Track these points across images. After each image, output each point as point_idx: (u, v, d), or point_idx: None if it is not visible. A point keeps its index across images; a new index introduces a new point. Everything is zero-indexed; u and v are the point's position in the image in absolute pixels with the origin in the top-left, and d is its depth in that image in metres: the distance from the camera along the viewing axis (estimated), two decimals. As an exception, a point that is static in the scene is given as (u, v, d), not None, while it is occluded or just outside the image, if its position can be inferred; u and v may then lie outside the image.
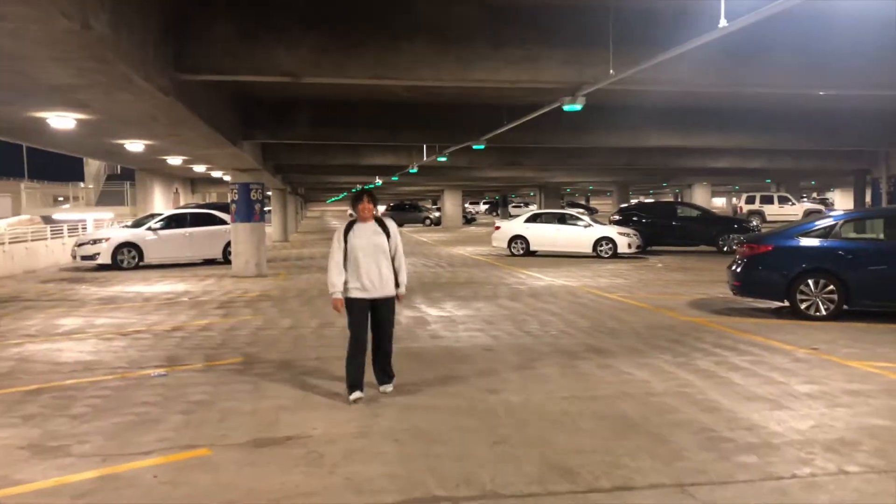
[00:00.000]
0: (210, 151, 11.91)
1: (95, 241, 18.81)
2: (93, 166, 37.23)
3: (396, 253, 5.90)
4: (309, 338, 8.90)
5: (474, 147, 11.69)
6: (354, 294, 5.77)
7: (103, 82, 5.82)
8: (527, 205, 77.44)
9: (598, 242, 21.17)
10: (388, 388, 6.16)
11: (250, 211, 16.62)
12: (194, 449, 4.85)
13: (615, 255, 20.93)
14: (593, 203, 69.33)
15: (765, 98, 12.23)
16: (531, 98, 10.87)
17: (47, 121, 12.43)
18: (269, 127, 12.14)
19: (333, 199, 77.59)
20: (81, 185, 38.19)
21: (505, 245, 22.31)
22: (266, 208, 43.27)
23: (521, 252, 21.94)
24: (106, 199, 36.36)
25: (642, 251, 21.54)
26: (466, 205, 56.69)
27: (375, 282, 5.75)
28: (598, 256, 21.06)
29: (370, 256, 5.72)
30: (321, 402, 5.99)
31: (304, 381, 6.67)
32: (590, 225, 21.63)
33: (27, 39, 4.41)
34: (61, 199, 41.55)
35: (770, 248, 10.41)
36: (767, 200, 39.00)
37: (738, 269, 10.52)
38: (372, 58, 6.77)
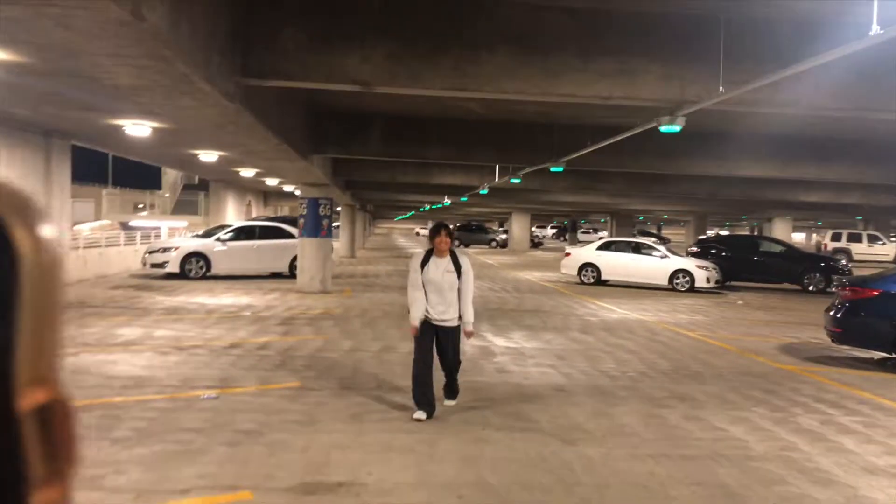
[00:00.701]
0: (280, 164, 11.68)
1: (165, 250, 18.96)
2: (170, 175, 38.21)
3: (464, 287, 6.07)
4: (369, 363, 8.42)
5: (552, 170, 11.06)
6: (422, 315, 6.03)
7: (165, 85, 5.52)
8: (595, 231, 75.92)
9: (674, 275, 20.17)
10: (452, 402, 6.44)
11: (318, 226, 16.40)
12: (236, 491, 4.38)
13: (692, 289, 19.88)
14: (665, 233, 67.33)
15: (872, 128, 11.22)
16: (616, 118, 10.23)
17: (124, 129, 12.50)
18: (339, 141, 11.84)
19: (401, 216, 77.88)
20: (158, 193, 39.21)
21: (575, 272, 21.52)
22: (335, 224, 43.60)
23: (592, 280, 21.10)
24: (181, 208, 37.22)
25: (721, 286, 20.40)
26: (533, 228, 55.91)
27: (441, 314, 6.02)
28: (674, 289, 20.04)
29: (438, 293, 5.98)
30: (378, 439, 5.46)
31: (360, 413, 6.16)
32: (666, 256, 20.63)
33: (77, 30, 4.10)
34: (140, 206, 42.80)
35: (877, 293, 9.40)
36: (855, 238, 36.80)
37: (839, 315, 9.54)
38: (450, 67, 6.27)
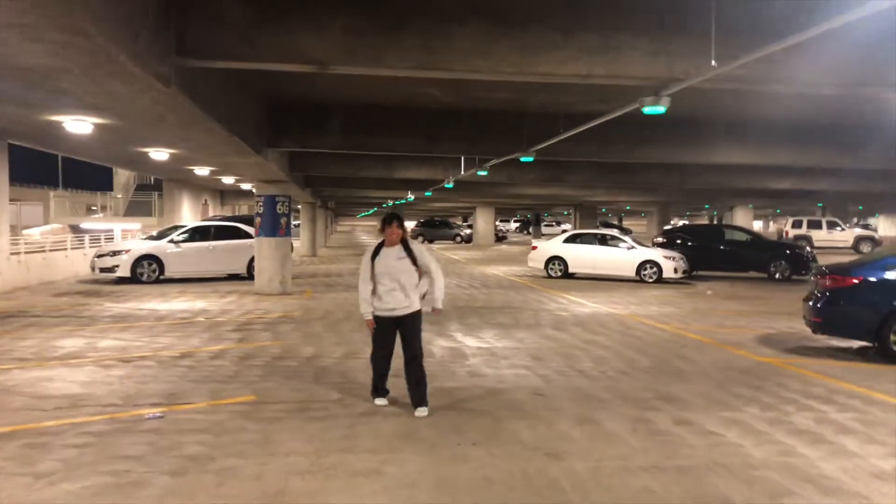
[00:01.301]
0: (232, 160, 10.94)
1: (115, 253, 18.02)
2: (122, 176, 36.86)
3: (429, 267, 6.08)
4: (332, 371, 7.82)
5: (522, 160, 10.54)
6: (379, 313, 6.05)
7: (85, 65, 4.83)
8: (558, 223, 75.93)
9: (641, 266, 19.94)
10: (424, 411, 6.06)
11: (276, 225, 15.69)
12: (176, 534, 3.77)
13: (660, 280, 19.67)
14: (626, 224, 67.59)
15: (859, 112, 10.88)
16: (588, 105, 9.80)
17: (64, 125, 11.66)
18: (296, 134, 11.13)
19: (364, 213, 77.00)
20: (111, 194, 37.82)
21: (542, 266, 21.16)
22: (295, 222, 42.63)
23: (559, 274, 20.77)
24: (134, 209, 35.92)
25: (688, 276, 20.22)
26: (497, 222, 55.59)
27: (398, 303, 5.99)
28: (642, 281, 19.82)
29: (394, 280, 5.95)
30: (342, 462, 4.89)
31: (322, 431, 5.58)
32: (633, 247, 20.38)
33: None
34: (94, 208, 41.30)
35: (858, 281, 9.11)
36: (815, 225, 37.20)
37: (819, 304, 9.23)
38: (416, 44, 5.68)
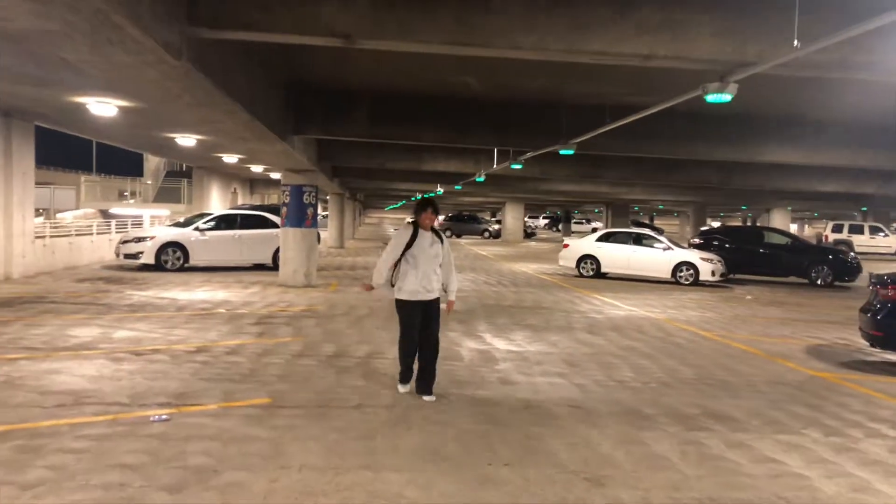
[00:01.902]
0: (257, 147, 10.51)
1: (139, 240, 17.76)
2: (152, 162, 36.91)
3: (447, 261, 6.29)
4: (353, 372, 7.34)
5: (561, 153, 9.94)
6: (412, 297, 6.13)
7: (83, 30, 4.39)
8: (588, 221, 74.87)
9: (677, 267, 19.26)
10: (432, 398, 6.25)
11: (302, 215, 15.27)
12: (166, 567, 3.30)
13: (696, 283, 18.96)
14: (658, 223, 66.36)
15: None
16: (632, 97, 9.19)
17: (88, 107, 11.36)
18: (322, 122, 10.65)
19: (392, 206, 76.71)
20: (140, 180, 37.88)
21: (573, 265, 20.55)
22: (324, 213, 42.29)
23: (591, 273, 20.15)
24: (163, 195, 35.93)
25: (725, 280, 19.47)
26: (525, 218, 54.86)
27: (429, 286, 6.15)
28: (677, 283, 19.13)
29: (428, 263, 6.13)
30: (360, 480, 4.39)
31: (339, 443, 5.09)
32: (669, 248, 19.66)
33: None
34: (126, 193, 41.44)
35: (925, 292, 8.39)
36: (857, 230, 35.93)
37: (881, 317, 8.53)
38: (451, 17, 5.14)
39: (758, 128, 10.98)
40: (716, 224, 54.59)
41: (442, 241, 6.25)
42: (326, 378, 7.02)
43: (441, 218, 58.18)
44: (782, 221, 39.55)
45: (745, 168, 17.32)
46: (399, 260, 6.17)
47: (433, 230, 6.23)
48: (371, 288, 6.39)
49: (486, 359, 8.28)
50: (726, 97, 6.10)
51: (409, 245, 6.11)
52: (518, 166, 13.49)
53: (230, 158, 23.56)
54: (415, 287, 6.09)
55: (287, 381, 6.84)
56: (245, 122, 7.18)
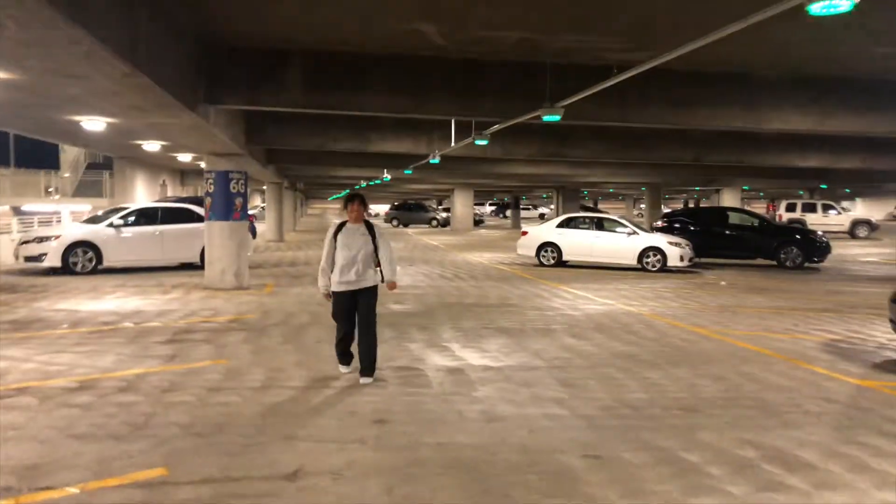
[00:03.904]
0: (158, 120, 8.45)
1: (42, 240, 15.38)
2: (70, 153, 33.87)
3: (384, 248, 6.44)
4: (285, 413, 5.52)
5: (545, 119, 8.15)
6: (340, 288, 6.33)
7: None
8: (535, 207, 73.81)
9: (643, 253, 17.99)
10: (368, 380, 6.37)
11: (229, 206, 13.23)
12: None
13: (664, 269, 17.68)
14: (603, 208, 65.57)
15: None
16: (629, 53, 7.56)
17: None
18: (244, 89, 8.55)
19: (336, 195, 74.24)
20: (57, 173, 34.78)
21: (533, 253, 19.07)
22: (260, 205, 39.63)
23: (552, 262, 18.70)
24: (84, 189, 33.04)
25: (692, 264, 18.28)
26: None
27: (358, 277, 6.31)
28: (644, 269, 17.83)
29: (354, 254, 6.27)
30: None
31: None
32: (634, 232, 18.33)
33: None
34: (52, 189, 38.13)
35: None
36: (810, 208, 35.50)
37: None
38: None
39: (765, 91, 9.47)
40: (677, 207, 53.98)
41: (373, 233, 6.40)
42: (248, 426, 5.17)
43: (386, 207, 56.15)
44: (733, 202, 38.92)
45: (721, 141, 15.97)
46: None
47: (365, 223, 6.43)
48: (329, 295, 6.44)
49: (459, 381, 6.54)
50: (846, 5, 4.30)
51: (334, 239, 6.33)
52: (484, 142, 11.72)
53: (151, 146, 21.15)
54: (345, 277, 6.27)
55: (194, 433, 4.96)
56: (123, 75, 5.26)
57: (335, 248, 6.31)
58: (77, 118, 15.28)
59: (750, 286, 15.39)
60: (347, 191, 55.09)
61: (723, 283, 15.98)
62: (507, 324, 9.79)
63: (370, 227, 6.42)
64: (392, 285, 6.58)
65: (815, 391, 6.42)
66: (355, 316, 6.39)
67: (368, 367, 6.39)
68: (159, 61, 5.99)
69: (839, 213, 35.68)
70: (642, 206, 78.15)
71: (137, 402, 5.67)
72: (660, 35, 7.28)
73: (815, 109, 9.79)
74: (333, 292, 6.37)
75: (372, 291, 6.44)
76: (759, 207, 57.81)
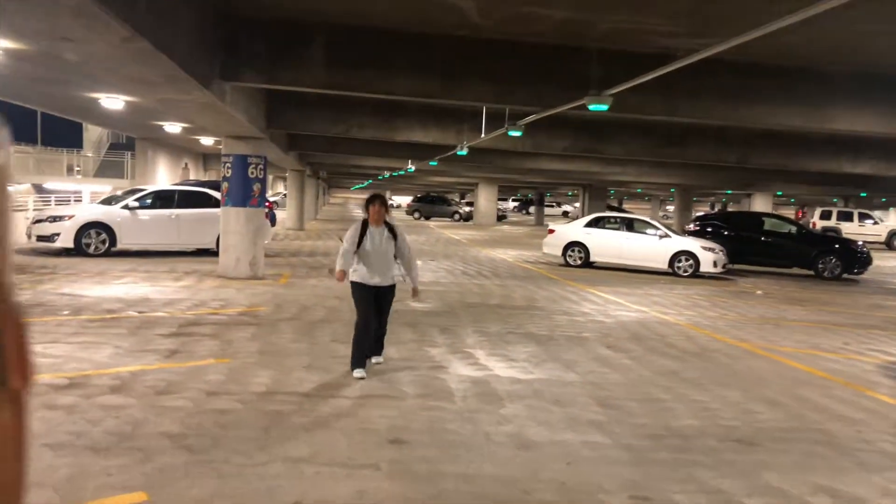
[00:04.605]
0: (170, 95, 7.84)
1: (55, 219, 14.94)
2: (93, 133, 33.70)
3: (405, 254, 6.40)
4: (291, 421, 4.91)
5: (591, 108, 7.41)
6: (363, 280, 6.26)
7: None
8: (559, 205, 72.76)
9: (675, 257, 17.20)
10: (379, 359, 6.62)
11: (247, 192, 12.67)
12: None
13: (695, 274, 16.90)
14: (627, 208, 64.34)
15: None
16: (689, 38, 6.83)
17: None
18: (262, 64, 7.85)
19: (358, 185, 73.83)
20: (80, 152, 34.57)
21: (559, 253, 18.36)
22: (282, 193, 39.24)
23: (579, 262, 17.98)
24: (106, 170, 32.80)
25: (726, 271, 17.49)
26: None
27: (382, 277, 6.30)
28: (675, 274, 17.05)
29: (380, 259, 6.26)
30: None
31: None
32: (666, 235, 17.55)
33: None
34: (78, 168, 37.97)
35: None
36: (846, 217, 34.34)
37: None
38: None
39: (831, 87, 8.63)
40: (711, 211, 52.76)
41: (395, 236, 6.30)
42: (249, 439, 4.56)
43: (409, 199, 55.45)
44: (764, 207, 37.81)
45: (767, 144, 15.08)
46: (356, 252, 6.25)
47: (386, 224, 6.30)
48: (343, 274, 6.24)
49: (484, 396, 5.89)
50: None
51: (359, 243, 6.20)
52: (517, 133, 10.98)
53: (172, 128, 20.81)
54: (369, 278, 6.24)
55: (185, 447, 4.36)
56: (122, 39, 4.68)
57: (359, 248, 6.22)
58: (91, 95, 14.85)
59: (788, 297, 14.60)
60: (370, 181, 54.71)
61: (759, 292, 15.20)
62: (535, 329, 9.12)
63: (393, 232, 6.31)
64: (416, 291, 6.62)
65: (887, 425, 5.70)
66: (373, 306, 6.35)
67: (378, 348, 6.59)
68: (164, 27, 5.39)
69: (876, 223, 34.47)
70: (668, 207, 76.94)
71: (127, 406, 5.09)
72: (721, 20, 6.54)
73: (890, 110, 8.94)
74: (356, 283, 6.27)
75: (392, 290, 6.48)
76: (788, 214, 56.39)
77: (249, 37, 7.91)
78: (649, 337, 9.07)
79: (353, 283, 6.28)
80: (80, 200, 27.05)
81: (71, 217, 14.95)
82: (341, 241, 6.41)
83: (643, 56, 7.42)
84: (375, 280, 6.24)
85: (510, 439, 4.84)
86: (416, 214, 48.94)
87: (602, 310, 11.21)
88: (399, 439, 4.71)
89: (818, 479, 4.43)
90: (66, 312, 8.53)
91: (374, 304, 6.29)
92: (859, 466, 4.70)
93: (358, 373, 6.18)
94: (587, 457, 4.60)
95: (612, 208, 45.64)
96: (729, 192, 38.66)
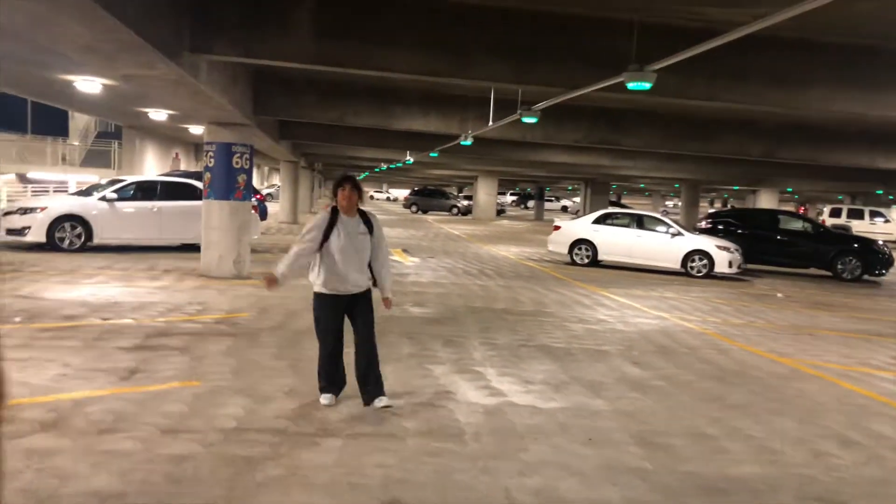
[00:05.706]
0: (132, 71, 6.75)
1: (25, 211, 13.87)
2: (80, 120, 32.57)
3: (380, 253, 5.21)
4: (263, 472, 3.90)
5: (631, 87, 6.29)
6: (328, 290, 5.06)
7: None
8: (558, 199, 71.71)
9: (688, 256, 16.29)
10: (384, 400, 5.13)
11: (230, 184, 11.61)
12: None
13: (708, 275, 15.96)
14: (626, 202, 63.25)
15: None
16: (733, 7, 5.81)
17: None
18: (236, 32, 6.58)
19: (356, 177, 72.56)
20: (65, 141, 33.40)
21: (565, 251, 17.46)
22: (276, 185, 38.19)
23: (586, 261, 17.02)
24: (92, 159, 31.67)
25: (741, 271, 16.54)
26: (495, 195, 51.36)
27: (356, 280, 5.12)
28: (688, 274, 16.10)
29: (351, 256, 5.05)
30: None
31: None
32: (679, 233, 16.59)
33: None
34: (66, 157, 36.82)
35: None
36: (856, 214, 33.38)
37: None
38: None
39: (892, 68, 7.63)
40: (722, 208, 51.82)
41: (371, 229, 5.14)
42: (209, 488, 3.54)
43: (406, 192, 54.34)
44: (770, 203, 36.86)
45: (796, 136, 14.04)
46: (320, 250, 5.01)
47: (360, 213, 5.14)
48: (275, 280, 4.92)
49: (501, 432, 4.87)
50: None
51: (325, 236, 4.98)
52: (532, 119, 9.90)
53: (157, 115, 19.69)
54: (336, 279, 5.04)
55: (119, 516, 3.34)
56: (77, 8, 3.69)
57: (324, 239, 4.97)
58: (65, 77, 13.73)
59: (811, 300, 13.68)
60: (367, 173, 53.61)
61: (779, 294, 14.28)
62: (549, 340, 8.10)
63: (369, 224, 5.14)
64: (388, 302, 5.31)
65: None
66: (343, 326, 5.20)
67: (377, 386, 5.18)
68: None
69: (887, 220, 33.53)
70: (668, 203, 75.83)
71: (57, 452, 4.06)
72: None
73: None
74: (318, 293, 5.10)
75: (367, 299, 5.20)
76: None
77: (222, 3, 6.82)
78: (677, 350, 8.07)
79: (320, 297, 5.08)
80: (66, 191, 26.00)
81: (43, 209, 13.86)
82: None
83: (683, 31, 6.38)
84: (348, 287, 5.05)
85: (537, 499, 3.83)
86: (414, 208, 47.97)
87: (619, 316, 10.22)
88: (396, 499, 3.70)
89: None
90: (17, 319, 7.48)
91: (343, 323, 5.16)
92: (982, 539, 3.72)
93: (326, 399, 5.16)
94: (638, 527, 3.60)
95: (613, 203, 44.71)
96: (736, 188, 37.66)
